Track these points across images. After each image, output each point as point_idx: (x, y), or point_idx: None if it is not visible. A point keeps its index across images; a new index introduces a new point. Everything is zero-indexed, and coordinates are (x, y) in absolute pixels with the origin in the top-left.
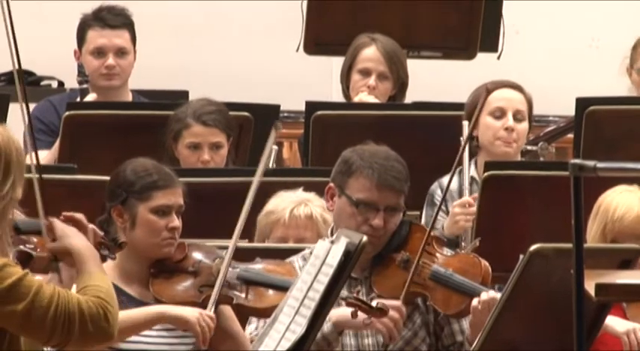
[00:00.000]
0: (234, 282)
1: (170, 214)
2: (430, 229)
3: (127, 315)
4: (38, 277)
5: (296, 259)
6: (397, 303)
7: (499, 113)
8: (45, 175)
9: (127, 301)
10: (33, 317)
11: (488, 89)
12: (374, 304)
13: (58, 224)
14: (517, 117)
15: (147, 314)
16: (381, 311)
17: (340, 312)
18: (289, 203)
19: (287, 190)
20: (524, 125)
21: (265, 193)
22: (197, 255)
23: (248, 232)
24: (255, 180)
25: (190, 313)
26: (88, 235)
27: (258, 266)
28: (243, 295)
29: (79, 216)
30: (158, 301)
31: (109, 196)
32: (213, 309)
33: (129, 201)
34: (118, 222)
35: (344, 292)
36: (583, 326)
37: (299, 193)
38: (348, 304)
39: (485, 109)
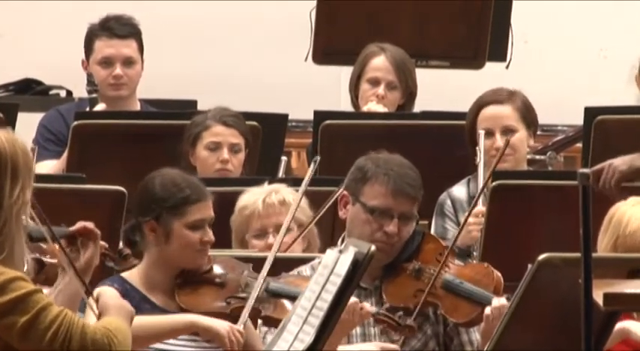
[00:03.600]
0: (262, 295)
1: (204, 227)
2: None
3: (155, 321)
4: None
5: (304, 269)
6: (394, 346)
7: (488, 133)
8: (54, 185)
9: (150, 308)
10: (32, 332)
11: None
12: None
13: (102, 298)
14: (506, 132)
15: (176, 322)
16: (410, 328)
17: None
18: (259, 194)
19: (254, 187)
20: (516, 136)
21: None
22: (223, 267)
23: None
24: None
25: (221, 325)
26: (97, 247)
27: (284, 279)
28: (271, 308)
29: (94, 229)
30: (183, 311)
31: (142, 210)
32: (245, 321)
33: (163, 217)
34: (150, 236)
35: (373, 309)
36: (591, 336)
37: (266, 186)
38: (377, 321)
39: (478, 128)
